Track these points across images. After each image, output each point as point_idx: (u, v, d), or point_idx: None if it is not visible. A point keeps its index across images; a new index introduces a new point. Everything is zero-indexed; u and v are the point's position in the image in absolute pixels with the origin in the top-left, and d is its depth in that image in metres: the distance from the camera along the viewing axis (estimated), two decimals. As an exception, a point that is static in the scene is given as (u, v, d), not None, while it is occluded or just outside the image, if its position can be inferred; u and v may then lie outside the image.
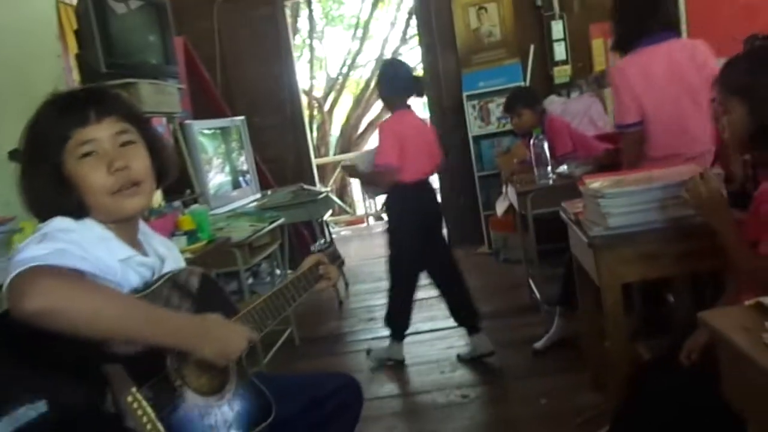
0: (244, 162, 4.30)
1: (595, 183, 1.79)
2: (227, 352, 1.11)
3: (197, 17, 5.09)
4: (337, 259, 1.62)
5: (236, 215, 3.36)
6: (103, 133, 1.13)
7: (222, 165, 4.03)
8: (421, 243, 2.91)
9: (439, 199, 3.13)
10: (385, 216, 2.98)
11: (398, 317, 3.02)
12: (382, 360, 3.04)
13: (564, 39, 4.66)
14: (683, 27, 4.66)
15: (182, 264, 1.32)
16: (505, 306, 3.63)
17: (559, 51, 4.67)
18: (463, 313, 2.98)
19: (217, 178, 3.89)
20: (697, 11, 4.64)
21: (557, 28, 4.65)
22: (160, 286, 1.13)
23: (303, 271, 1.45)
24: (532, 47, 4.82)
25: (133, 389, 0.99)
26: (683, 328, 1.64)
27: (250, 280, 3.96)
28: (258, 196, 4.26)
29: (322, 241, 1.65)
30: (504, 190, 3.94)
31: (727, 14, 4.52)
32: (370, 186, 3.24)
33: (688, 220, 1.63)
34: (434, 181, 3.01)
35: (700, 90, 2.32)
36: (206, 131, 3.89)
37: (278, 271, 3.79)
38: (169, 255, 1.29)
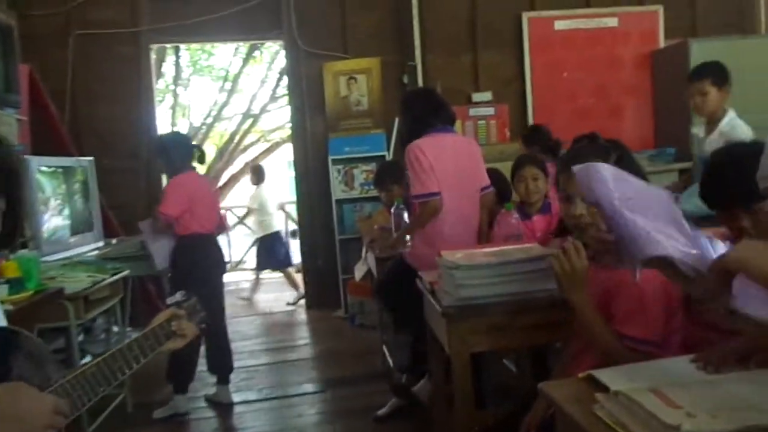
0: (87, 206, 3.94)
1: (451, 255, 1.87)
2: None
3: (49, 46, 4.71)
4: (197, 314, 1.42)
5: (73, 264, 3.06)
6: None
7: (61, 207, 3.65)
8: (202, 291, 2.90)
9: (225, 255, 3.58)
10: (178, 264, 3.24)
11: (181, 369, 3.13)
12: (166, 417, 3.11)
13: (426, 116, 4.95)
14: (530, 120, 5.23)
15: (2, 322, 1.12)
16: (358, 372, 3.60)
17: (421, 127, 4.95)
18: (220, 364, 3.30)
19: (53, 221, 3.51)
20: (541, 112, 5.24)
21: (420, 106, 4.95)
22: None
23: (152, 328, 1.27)
24: (397, 120, 5.07)
25: None
26: (525, 395, 1.73)
27: (81, 337, 3.56)
28: (100, 244, 3.90)
29: (182, 292, 1.47)
30: (363, 254, 4.00)
31: (564, 116, 5.16)
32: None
33: (535, 294, 1.75)
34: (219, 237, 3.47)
35: (475, 181, 2.77)
36: (45, 169, 3.52)
37: (116, 328, 3.46)
38: None
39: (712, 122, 2.70)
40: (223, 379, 3.30)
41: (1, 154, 1.06)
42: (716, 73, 2.69)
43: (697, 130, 3.18)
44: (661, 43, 5.34)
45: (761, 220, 1.17)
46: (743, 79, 4.73)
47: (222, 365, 3.31)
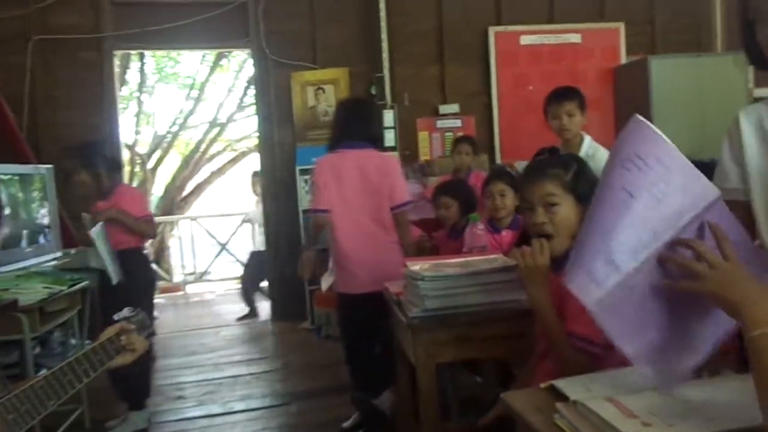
0: (45, 215, 3.83)
1: (416, 266, 1.88)
2: None
3: (7, 51, 4.59)
4: (145, 329, 1.43)
5: (28, 274, 2.97)
6: None
7: (17, 216, 3.55)
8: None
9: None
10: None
11: (135, 385, 3.04)
12: None
13: (394, 127, 4.99)
14: (496, 139, 5.30)
15: None
16: (324, 384, 3.58)
17: (389, 138, 4.97)
18: (138, 386, 3.11)
19: (8, 230, 3.40)
20: (506, 124, 5.32)
21: (388, 117, 4.97)
22: None
23: (101, 342, 1.27)
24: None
25: None
26: (489, 405, 1.73)
27: (37, 350, 3.44)
28: (59, 254, 3.79)
29: (129, 308, 1.46)
30: (330, 265, 3.97)
31: (529, 128, 5.25)
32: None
33: (501, 305, 1.77)
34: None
35: (383, 198, 2.80)
36: (1, 176, 3.42)
37: (73, 341, 3.35)
38: None
39: (570, 146, 2.72)
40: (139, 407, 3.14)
41: None
42: (581, 97, 2.77)
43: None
44: (623, 59, 5.49)
45: None
46: (699, 95, 4.96)
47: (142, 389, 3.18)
